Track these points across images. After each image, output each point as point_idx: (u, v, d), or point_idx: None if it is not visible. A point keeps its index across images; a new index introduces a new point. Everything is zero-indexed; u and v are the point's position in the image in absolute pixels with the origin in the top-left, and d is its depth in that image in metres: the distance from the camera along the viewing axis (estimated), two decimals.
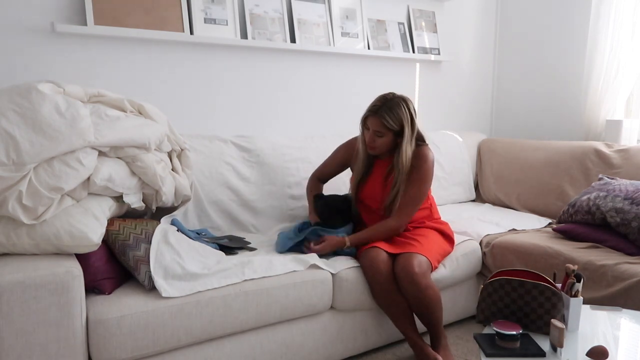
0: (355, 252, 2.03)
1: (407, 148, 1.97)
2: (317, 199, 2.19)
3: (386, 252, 1.95)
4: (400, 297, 1.92)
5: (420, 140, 2.06)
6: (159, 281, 1.60)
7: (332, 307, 1.95)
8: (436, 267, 2.05)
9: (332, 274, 1.91)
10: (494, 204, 3.05)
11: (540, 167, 2.84)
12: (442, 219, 2.27)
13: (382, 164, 2.11)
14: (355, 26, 2.92)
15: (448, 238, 2.17)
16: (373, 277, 1.91)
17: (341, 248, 2.01)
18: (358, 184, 2.13)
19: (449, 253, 2.16)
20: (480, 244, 2.37)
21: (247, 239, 2.14)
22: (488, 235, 2.40)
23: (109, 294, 1.58)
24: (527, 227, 2.50)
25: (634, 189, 2.10)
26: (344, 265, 1.95)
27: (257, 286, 1.73)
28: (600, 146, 2.65)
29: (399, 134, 1.98)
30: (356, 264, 1.98)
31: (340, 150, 2.29)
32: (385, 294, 1.92)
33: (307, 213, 2.40)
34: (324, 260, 1.96)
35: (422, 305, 1.89)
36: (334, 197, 2.19)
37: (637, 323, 1.59)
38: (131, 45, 2.31)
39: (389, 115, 1.92)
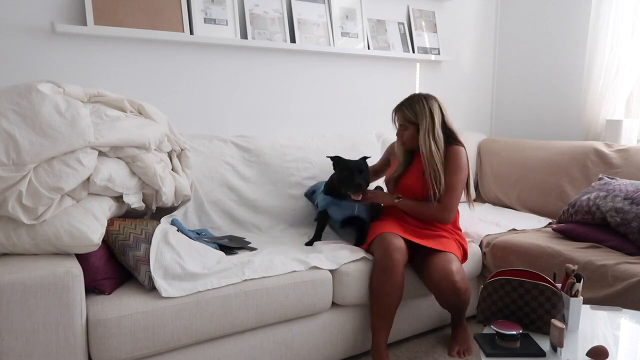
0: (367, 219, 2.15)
1: (426, 139, 2.06)
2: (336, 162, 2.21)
3: (404, 240, 1.98)
4: (398, 295, 1.92)
5: (453, 140, 2.12)
6: (159, 281, 1.60)
7: (333, 303, 1.94)
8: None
9: (332, 270, 1.92)
10: (494, 204, 3.05)
11: (540, 167, 2.84)
12: None
13: (421, 157, 2.14)
14: (355, 26, 2.92)
15: (464, 255, 2.18)
16: (385, 264, 1.90)
17: (389, 203, 2.15)
18: (399, 177, 2.19)
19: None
20: (480, 244, 2.37)
21: (247, 239, 2.14)
22: (488, 235, 2.40)
23: (109, 294, 1.58)
24: (527, 227, 2.50)
25: (634, 189, 2.10)
26: (344, 259, 1.96)
27: (257, 286, 1.73)
28: (600, 146, 2.65)
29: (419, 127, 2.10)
30: (356, 258, 1.98)
31: (387, 149, 2.44)
32: (388, 285, 1.89)
33: (309, 213, 2.44)
34: (325, 254, 1.97)
35: (457, 306, 2.01)
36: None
37: (637, 323, 1.59)
38: (131, 45, 2.31)
39: (407, 109, 2.11)
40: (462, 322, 2.12)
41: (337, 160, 2.19)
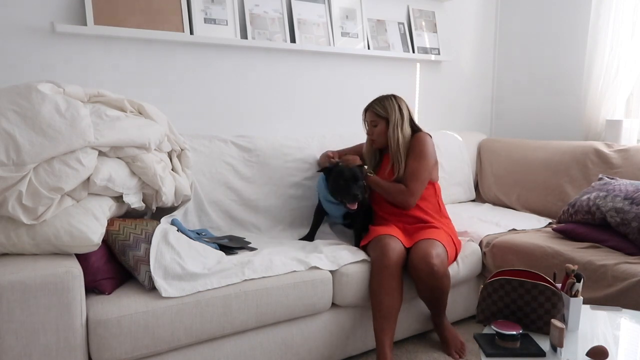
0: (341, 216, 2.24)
1: (395, 132, 2.18)
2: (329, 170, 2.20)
3: (402, 243, 2.01)
4: (398, 295, 1.92)
5: (416, 130, 2.25)
6: (159, 281, 1.60)
7: (333, 303, 1.94)
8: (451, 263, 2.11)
9: (332, 270, 1.92)
10: (494, 204, 3.05)
11: (540, 167, 2.84)
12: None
13: (389, 158, 2.23)
14: (355, 26, 2.92)
15: (455, 247, 2.18)
16: (381, 264, 1.91)
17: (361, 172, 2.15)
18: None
19: (454, 258, 2.18)
20: (480, 244, 2.37)
21: (247, 239, 2.14)
22: (488, 235, 2.40)
23: (109, 294, 1.58)
24: (527, 227, 2.50)
25: (634, 189, 2.10)
26: (345, 260, 1.96)
27: (257, 286, 1.73)
28: (600, 146, 2.65)
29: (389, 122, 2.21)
30: (356, 259, 1.98)
31: (359, 144, 2.50)
32: (387, 285, 1.90)
33: (309, 213, 2.42)
34: (326, 254, 1.97)
35: (434, 293, 1.98)
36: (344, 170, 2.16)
37: (637, 323, 1.59)
38: (131, 45, 2.31)
39: (378, 105, 2.24)
40: (444, 321, 2.11)
41: (331, 169, 2.17)
